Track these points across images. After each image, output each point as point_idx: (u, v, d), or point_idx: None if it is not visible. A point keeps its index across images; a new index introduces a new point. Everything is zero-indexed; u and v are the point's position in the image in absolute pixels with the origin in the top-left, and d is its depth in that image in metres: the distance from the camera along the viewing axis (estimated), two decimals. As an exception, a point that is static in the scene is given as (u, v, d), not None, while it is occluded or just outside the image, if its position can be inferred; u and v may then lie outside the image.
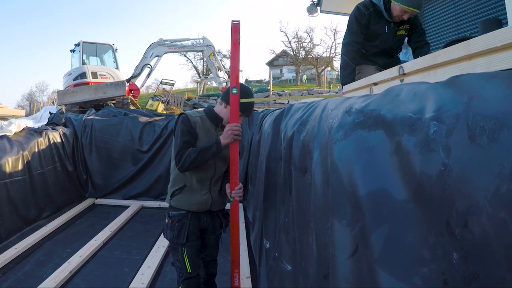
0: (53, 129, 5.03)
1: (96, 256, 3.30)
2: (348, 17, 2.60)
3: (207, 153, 1.85)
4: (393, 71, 1.31)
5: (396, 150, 0.78)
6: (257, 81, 38.62)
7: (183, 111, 2.02)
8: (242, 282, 2.42)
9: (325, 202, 1.08)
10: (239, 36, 1.81)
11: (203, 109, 2.14)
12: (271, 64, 41.58)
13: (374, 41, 2.61)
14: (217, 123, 2.04)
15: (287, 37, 33.50)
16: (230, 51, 1.87)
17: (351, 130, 0.98)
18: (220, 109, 2.05)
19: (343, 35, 2.70)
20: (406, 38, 2.69)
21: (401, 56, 3.19)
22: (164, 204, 5.02)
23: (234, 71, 1.87)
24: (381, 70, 2.75)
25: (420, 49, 2.55)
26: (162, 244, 3.44)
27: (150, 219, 4.45)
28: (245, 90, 1.99)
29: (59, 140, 4.96)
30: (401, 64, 1.25)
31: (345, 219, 0.92)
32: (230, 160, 1.94)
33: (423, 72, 1.13)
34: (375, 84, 1.39)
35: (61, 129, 5.16)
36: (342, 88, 2.44)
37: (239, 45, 1.83)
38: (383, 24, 2.53)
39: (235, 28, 1.80)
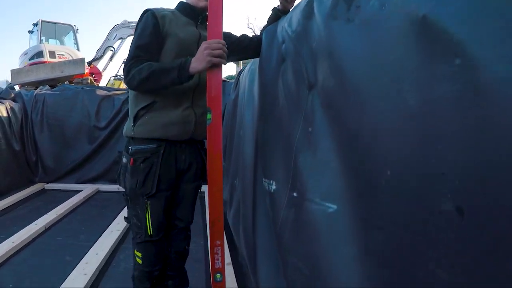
0: (-1, 102, 4.34)
1: (34, 242, 2.72)
2: None
3: (164, 78, 1.23)
4: None
5: None
6: (225, 77, 37.81)
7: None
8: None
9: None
10: None
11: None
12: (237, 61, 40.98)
13: None
14: (196, 16, 1.42)
15: (254, 33, 32.40)
16: None
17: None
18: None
19: None
20: None
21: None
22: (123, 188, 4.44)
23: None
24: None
25: None
26: (116, 228, 2.91)
27: (106, 202, 3.86)
28: None
29: (5, 114, 4.24)
30: None
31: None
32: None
33: None
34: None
35: (8, 103, 4.45)
36: None
37: None
38: None
39: None
